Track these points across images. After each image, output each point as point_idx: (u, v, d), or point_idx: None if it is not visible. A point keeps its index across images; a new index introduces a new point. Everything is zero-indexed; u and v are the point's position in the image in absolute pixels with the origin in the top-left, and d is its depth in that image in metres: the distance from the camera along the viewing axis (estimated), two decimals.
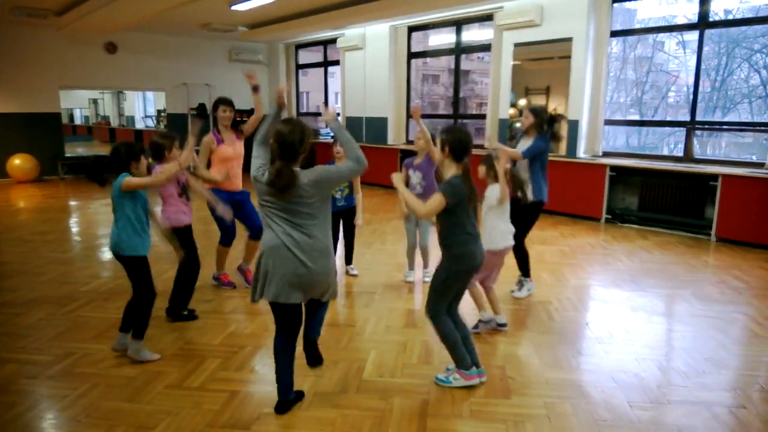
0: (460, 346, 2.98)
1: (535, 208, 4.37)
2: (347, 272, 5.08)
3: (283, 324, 2.70)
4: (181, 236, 3.70)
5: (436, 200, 2.81)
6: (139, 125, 16.55)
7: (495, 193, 3.63)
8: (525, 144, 4.45)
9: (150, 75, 12.23)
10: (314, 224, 2.56)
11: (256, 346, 3.53)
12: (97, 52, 11.53)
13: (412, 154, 4.90)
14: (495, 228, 3.68)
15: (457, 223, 2.86)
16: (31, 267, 5.23)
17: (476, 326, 3.77)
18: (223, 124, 4.39)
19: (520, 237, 4.22)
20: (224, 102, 4.38)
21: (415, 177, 4.69)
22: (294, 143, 2.51)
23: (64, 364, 3.25)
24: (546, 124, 4.43)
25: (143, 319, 3.28)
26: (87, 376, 3.11)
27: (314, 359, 2.76)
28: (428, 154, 4.34)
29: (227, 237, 4.52)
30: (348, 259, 5.10)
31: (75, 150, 13.59)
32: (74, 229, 7.22)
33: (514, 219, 3.85)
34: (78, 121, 18.74)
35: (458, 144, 2.84)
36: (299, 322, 2.73)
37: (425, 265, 4.96)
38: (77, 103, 17.99)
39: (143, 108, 16.86)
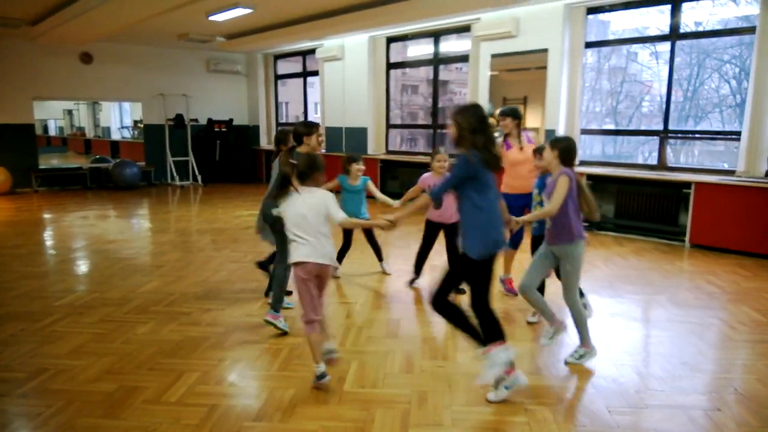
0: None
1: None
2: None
3: None
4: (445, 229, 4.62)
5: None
6: (116, 136, 16.36)
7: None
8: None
9: (126, 85, 12.09)
10: None
11: (234, 360, 3.49)
12: (72, 62, 11.38)
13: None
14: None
15: None
16: (1, 282, 5.10)
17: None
18: (507, 132, 4.65)
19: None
20: (506, 114, 4.65)
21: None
22: None
23: (38, 381, 3.17)
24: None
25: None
26: (62, 392, 3.04)
27: None
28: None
29: (516, 239, 4.59)
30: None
31: (49, 162, 13.35)
32: (48, 243, 7.07)
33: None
34: (52, 132, 18.41)
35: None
36: None
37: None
38: (51, 114, 17.69)
39: (119, 119, 16.67)
